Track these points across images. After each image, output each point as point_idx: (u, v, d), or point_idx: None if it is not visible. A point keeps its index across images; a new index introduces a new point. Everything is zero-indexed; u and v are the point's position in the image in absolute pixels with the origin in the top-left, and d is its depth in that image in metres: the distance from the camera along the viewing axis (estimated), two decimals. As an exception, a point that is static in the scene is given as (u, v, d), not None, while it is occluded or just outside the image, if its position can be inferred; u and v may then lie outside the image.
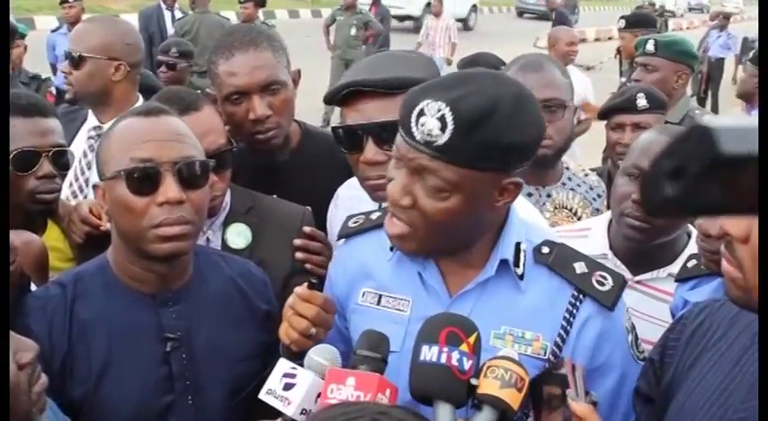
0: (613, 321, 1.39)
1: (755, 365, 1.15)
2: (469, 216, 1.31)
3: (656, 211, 0.55)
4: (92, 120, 2.59)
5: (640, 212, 1.87)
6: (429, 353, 1.17)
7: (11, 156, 1.82)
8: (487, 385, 1.16)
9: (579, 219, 2.26)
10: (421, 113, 1.24)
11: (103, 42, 2.54)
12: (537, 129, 1.31)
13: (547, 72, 2.22)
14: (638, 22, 5.21)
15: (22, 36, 6.07)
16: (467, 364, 1.17)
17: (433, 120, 1.22)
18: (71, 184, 2.47)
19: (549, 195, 2.28)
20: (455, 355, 1.16)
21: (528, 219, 1.55)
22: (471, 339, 1.18)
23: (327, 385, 1.19)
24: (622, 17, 5.38)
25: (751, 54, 4.56)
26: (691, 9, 34.07)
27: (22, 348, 1.21)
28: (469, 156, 1.23)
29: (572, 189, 2.31)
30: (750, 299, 1.08)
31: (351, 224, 1.60)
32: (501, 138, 1.23)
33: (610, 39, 18.33)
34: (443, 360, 1.16)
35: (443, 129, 1.22)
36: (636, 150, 1.95)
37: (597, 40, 21.16)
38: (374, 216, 1.57)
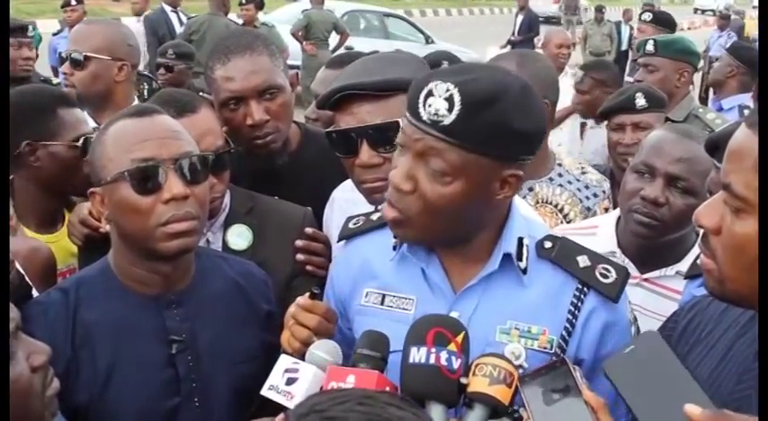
0: (617, 313, 1.40)
1: (741, 358, 1.17)
2: (468, 205, 1.31)
3: None
4: (89, 122, 2.58)
5: (649, 209, 1.88)
6: (418, 355, 1.18)
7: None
8: (477, 383, 1.17)
9: (566, 216, 2.25)
10: (429, 94, 1.25)
11: (108, 43, 2.56)
12: (541, 121, 1.32)
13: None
14: (664, 20, 4.74)
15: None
16: (456, 364, 1.17)
17: (440, 100, 1.24)
18: None
19: (530, 189, 2.25)
20: (443, 355, 1.17)
21: (527, 215, 1.55)
22: (459, 338, 1.19)
23: (328, 382, 1.20)
24: (648, 10, 4.93)
25: (730, 43, 4.48)
26: (754, 7, 33.91)
27: (35, 351, 1.21)
28: (474, 139, 1.24)
29: (561, 185, 2.28)
30: (725, 289, 1.10)
31: (351, 225, 1.59)
32: (506, 123, 1.25)
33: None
34: (432, 360, 1.17)
35: (450, 109, 1.23)
36: (646, 148, 1.94)
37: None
38: (374, 216, 1.57)
